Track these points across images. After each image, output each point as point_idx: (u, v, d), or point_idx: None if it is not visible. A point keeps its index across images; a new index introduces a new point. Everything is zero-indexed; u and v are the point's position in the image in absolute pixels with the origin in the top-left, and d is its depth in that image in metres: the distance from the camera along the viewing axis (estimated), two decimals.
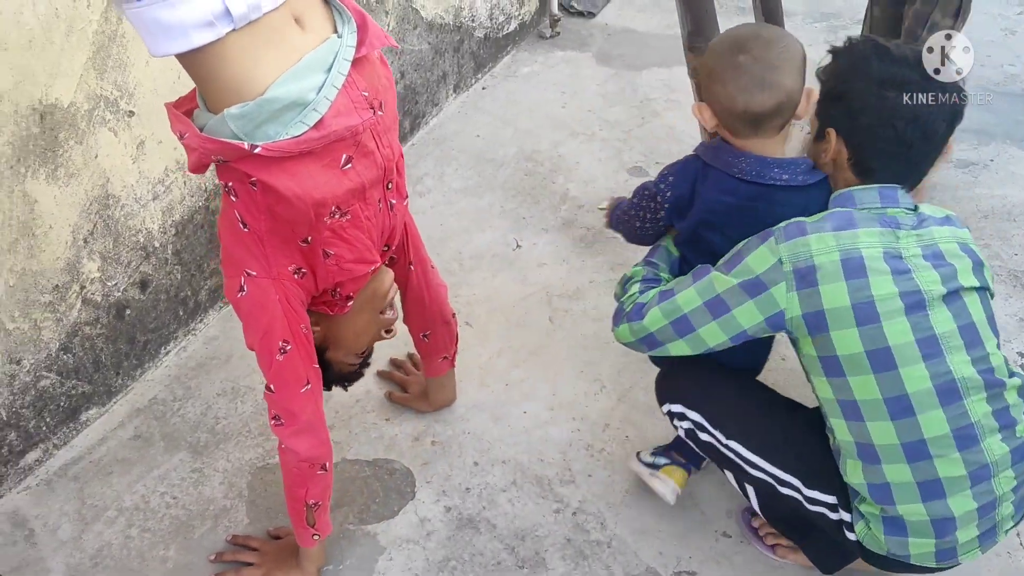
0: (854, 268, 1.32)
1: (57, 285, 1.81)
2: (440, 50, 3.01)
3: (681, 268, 1.62)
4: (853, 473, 1.40)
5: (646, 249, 1.72)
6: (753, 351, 1.63)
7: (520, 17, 3.53)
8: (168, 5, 1.08)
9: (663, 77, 3.33)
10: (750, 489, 1.58)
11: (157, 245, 2.04)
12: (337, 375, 1.69)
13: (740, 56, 1.41)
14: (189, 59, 1.17)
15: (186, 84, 1.33)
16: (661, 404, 1.65)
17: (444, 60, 3.06)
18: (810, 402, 1.57)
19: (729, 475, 1.60)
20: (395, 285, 1.63)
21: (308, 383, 1.47)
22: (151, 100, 1.88)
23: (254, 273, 1.37)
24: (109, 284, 1.93)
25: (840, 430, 1.40)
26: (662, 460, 1.76)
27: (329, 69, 1.22)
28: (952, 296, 1.34)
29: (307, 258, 1.38)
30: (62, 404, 1.92)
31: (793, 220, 1.39)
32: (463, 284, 2.38)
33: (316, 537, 1.60)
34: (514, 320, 2.28)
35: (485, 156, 2.92)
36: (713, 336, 1.44)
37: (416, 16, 2.82)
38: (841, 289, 1.32)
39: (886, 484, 1.36)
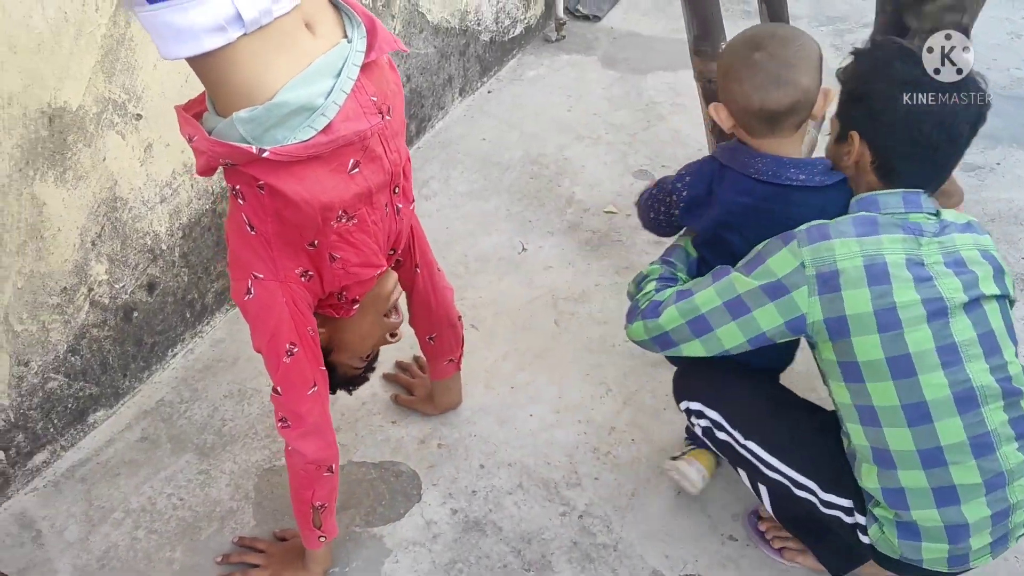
0: (877, 274, 1.32)
1: (65, 287, 1.82)
2: (446, 54, 3.02)
3: (699, 269, 1.61)
4: (868, 478, 1.40)
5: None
6: (778, 351, 1.60)
7: (526, 21, 3.53)
8: (180, 9, 1.09)
9: (668, 81, 3.33)
10: (763, 489, 1.57)
11: (164, 248, 2.04)
12: (343, 378, 1.69)
13: (756, 54, 1.41)
14: (199, 63, 1.17)
15: (194, 88, 1.34)
16: (679, 401, 1.64)
17: (450, 64, 3.06)
18: (823, 404, 1.57)
19: (743, 474, 1.59)
20: (399, 287, 1.63)
21: (315, 385, 1.47)
22: (159, 103, 1.89)
23: (261, 276, 1.37)
24: (117, 286, 1.94)
25: (856, 435, 1.40)
26: (690, 447, 1.79)
27: (338, 74, 1.22)
28: (973, 304, 1.34)
29: (314, 261, 1.39)
30: (70, 406, 1.92)
31: (815, 223, 1.38)
32: (469, 287, 2.38)
33: (322, 539, 1.61)
34: (520, 323, 2.28)
35: (491, 159, 2.93)
36: (731, 338, 1.43)
37: (422, 20, 2.83)
38: (864, 295, 1.32)
39: (901, 489, 1.36)
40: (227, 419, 2.02)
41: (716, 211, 1.53)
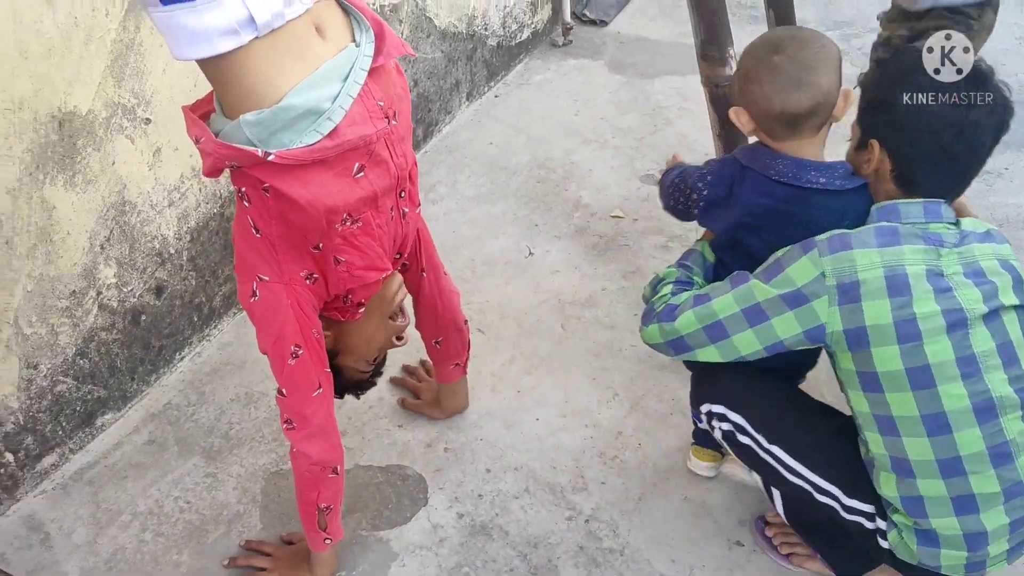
0: (898, 285, 1.31)
1: (74, 291, 1.83)
2: (453, 58, 3.03)
3: (716, 273, 1.60)
4: (886, 486, 1.40)
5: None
6: (802, 354, 1.56)
7: (533, 26, 3.54)
8: (194, 11, 1.09)
9: (676, 85, 3.33)
10: (776, 493, 1.56)
11: (172, 251, 2.05)
12: (349, 382, 1.69)
13: (776, 56, 1.41)
14: (210, 64, 1.18)
15: (202, 92, 1.34)
16: (698, 404, 1.61)
17: (457, 68, 3.07)
18: (840, 409, 1.56)
19: (758, 478, 1.58)
20: (404, 288, 1.62)
21: (319, 387, 1.47)
22: (168, 108, 1.90)
23: (266, 278, 1.38)
24: (125, 290, 1.95)
25: (875, 443, 1.40)
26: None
27: (346, 78, 1.23)
28: (992, 315, 1.33)
29: (318, 264, 1.39)
30: (78, 409, 1.93)
31: (836, 232, 1.37)
32: (475, 291, 2.39)
33: (328, 541, 1.61)
34: (526, 327, 2.28)
35: (498, 164, 2.93)
36: (747, 344, 1.43)
37: (430, 24, 2.84)
38: (884, 306, 1.31)
39: (920, 498, 1.36)
40: (234, 422, 2.03)
41: (736, 212, 1.52)
